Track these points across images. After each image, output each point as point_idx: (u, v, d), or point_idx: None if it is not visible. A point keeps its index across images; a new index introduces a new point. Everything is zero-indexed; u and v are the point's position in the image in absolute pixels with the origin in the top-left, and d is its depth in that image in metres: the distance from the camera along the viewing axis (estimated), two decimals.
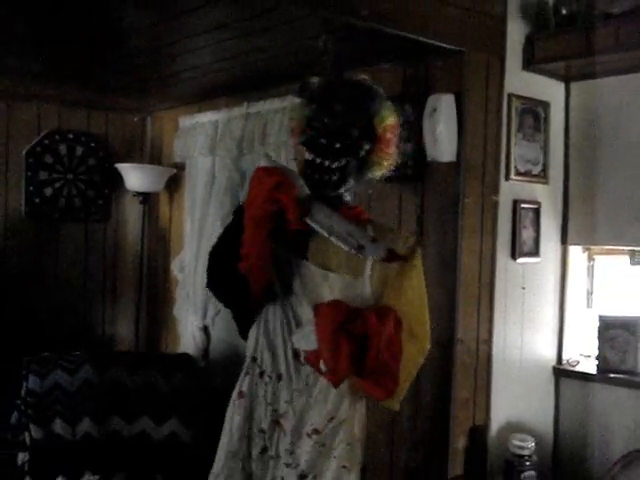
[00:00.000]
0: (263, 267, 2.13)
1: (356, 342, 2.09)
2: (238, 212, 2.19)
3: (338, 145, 2.14)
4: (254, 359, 2.29)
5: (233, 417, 2.29)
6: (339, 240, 2.10)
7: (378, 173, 2.26)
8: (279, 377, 2.24)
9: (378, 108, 2.19)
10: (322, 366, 2.13)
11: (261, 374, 2.27)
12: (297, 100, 2.33)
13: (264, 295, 2.22)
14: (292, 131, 2.33)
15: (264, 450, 2.26)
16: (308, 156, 2.18)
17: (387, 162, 2.24)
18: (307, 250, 2.20)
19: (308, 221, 2.09)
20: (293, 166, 2.48)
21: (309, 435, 2.22)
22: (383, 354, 2.12)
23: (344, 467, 2.24)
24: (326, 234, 2.10)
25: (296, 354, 2.22)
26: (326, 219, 2.11)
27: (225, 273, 2.20)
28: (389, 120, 2.21)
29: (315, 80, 2.25)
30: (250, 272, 2.11)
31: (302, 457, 2.22)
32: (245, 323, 2.35)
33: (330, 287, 2.18)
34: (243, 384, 2.31)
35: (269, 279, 2.18)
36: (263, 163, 2.10)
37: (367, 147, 2.19)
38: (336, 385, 2.16)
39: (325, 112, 2.15)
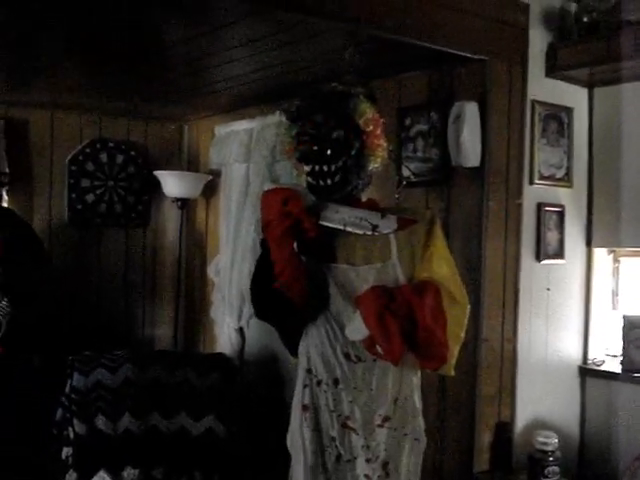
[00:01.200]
0: (298, 279, 2.24)
1: (402, 319, 2.19)
2: (264, 242, 2.30)
3: (329, 151, 2.28)
4: (309, 371, 2.39)
5: (303, 432, 2.36)
6: (354, 227, 2.23)
7: (376, 164, 2.37)
8: (335, 382, 2.34)
9: (354, 107, 2.31)
10: (378, 349, 2.23)
11: (318, 383, 2.37)
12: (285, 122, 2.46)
13: (306, 308, 2.33)
14: (286, 152, 2.45)
15: (338, 458, 2.35)
16: (307, 168, 2.32)
17: (380, 152, 2.36)
18: (334, 253, 2.33)
19: (322, 223, 2.22)
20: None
21: (381, 425, 2.34)
22: (430, 325, 2.21)
23: (416, 439, 2.40)
24: (341, 227, 2.23)
25: (347, 355, 2.33)
26: (336, 214, 2.25)
27: (268, 298, 2.33)
28: (368, 114, 2.32)
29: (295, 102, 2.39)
30: (288, 287, 2.23)
31: (380, 447, 2.33)
32: (294, 340, 2.46)
33: (364, 280, 2.30)
34: (305, 397, 2.39)
35: (307, 289, 2.28)
36: (267, 187, 2.26)
37: (357, 144, 2.31)
38: (396, 363, 2.24)
39: (309, 125, 2.30)
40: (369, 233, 2.24)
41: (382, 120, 2.41)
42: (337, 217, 2.25)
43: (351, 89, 2.37)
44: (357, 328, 2.24)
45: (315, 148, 2.29)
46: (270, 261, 2.23)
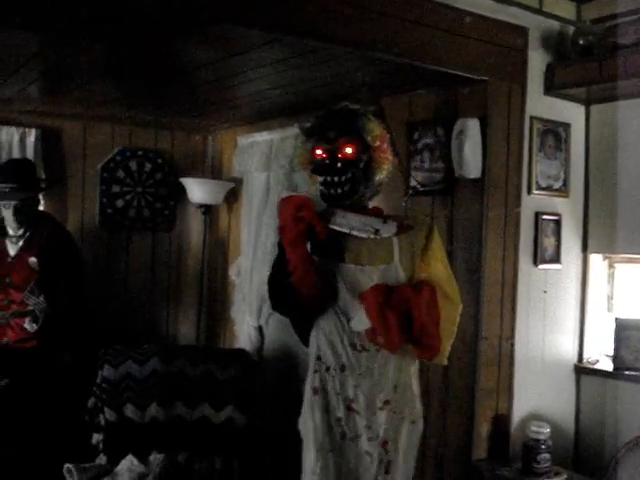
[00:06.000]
0: (309, 276, 2.53)
1: (400, 313, 2.48)
2: (280, 244, 2.61)
3: (339, 164, 2.57)
4: (319, 358, 2.68)
5: (314, 413, 2.64)
6: (359, 231, 2.54)
7: (382, 176, 2.66)
8: (342, 368, 2.63)
9: (363, 125, 2.60)
10: (379, 339, 2.53)
11: (327, 369, 2.65)
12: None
13: (315, 302, 2.61)
14: (302, 164, 2.75)
15: (343, 436, 2.63)
16: (320, 179, 2.62)
17: (386, 165, 2.65)
18: (343, 254, 2.61)
19: (332, 227, 2.51)
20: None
21: (381, 408, 2.62)
22: (424, 319, 2.51)
23: (413, 422, 2.69)
24: (347, 231, 2.54)
25: (353, 345, 2.62)
26: (343, 219, 2.56)
27: (283, 293, 2.63)
28: (376, 132, 2.62)
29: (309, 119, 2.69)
30: (301, 283, 2.53)
31: (380, 427, 2.62)
32: (305, 331, 2.76)
33: (369, 278, 2.59)
34: (315, 381, 2.67)
35: (316, 285, 2.56)
36: (283, 195, 2.56)
37: (365, 158, 2.60)
38: (394, 352, 2.56)
39: (322, 140, 2.60)
40: (372, 236, 2.54)
41: (388, 135, 2.69)
42: (344, 222, 2.55)
43: (360, 108, 2.65)
44: (361, 320, 2.54)
45: (327, 162, 2.58)
46: (285, 260, 2.51)
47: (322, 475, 2.59)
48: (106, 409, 4.02)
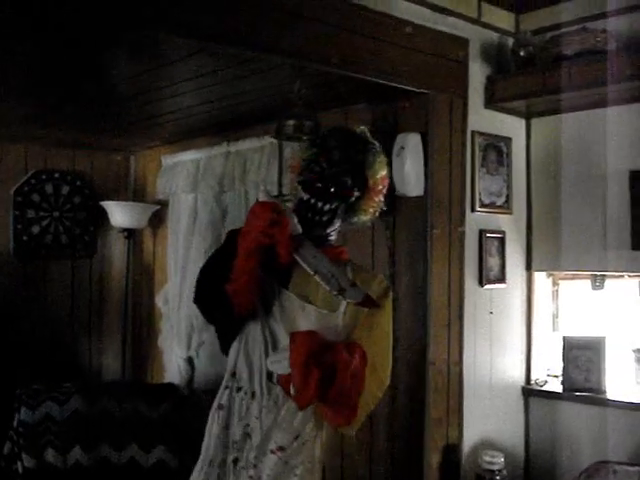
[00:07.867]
0: (248, 291, 2.28)
1: (325, 372, 2.24)
2: (231, 236, 2.35)
3: (332, 190, 2.32)
4: (233, 374, 2.44)
5: (212, 427, 2.43)
6: (323, 279, 2.25)
7: (363, 218, 2.44)
8: (253, 394, 2.38)
9: (372, 161, 2.37)
10: (292, 390, 2.27)
11: (238, 389, 2.41)
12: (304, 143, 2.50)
13: (246, 315, 2.37)
14: (292, 167, 2.51)
15: (236, 460, 2.38)
16: (303, 195, 2.36)
17: (373, 209, 2.43)
18: (289, 280, 2.38)
19: (296, 257, 2.26)
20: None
21: (273, 452, 2.36)
22: (347, 386, 2.27)
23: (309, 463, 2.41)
24: (311, 272, 2.26)
25: (269, 374, 2.37)
26: (313, 258, 2.27)
27: (212, 291, 2.34)
28: (380, 173, 2.39)
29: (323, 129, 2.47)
30: (236, 294, 2.27)
31: (264, 472, 2.35)
32: (227, 339, 2.51)
33: (306, 317, 2.34)
34: (223, 397, 2.44)
35: (252, 302, 2.33)
36: (262, 198, 2.29)
37: (357, 194, 2.36)
38: (302, 408, 2.30)
39: (324, 158, 2.34)
40: (334, 293, 2.27)
41: (387, 181, 2.46)
42: (312, 262, 2.26)
43: (376, 145, 2.42)
44: (281, 363, 2.29)
45: (319, 184, 2.33)
46: (228, 256, 2.26)
47: None
48: (24, 455, 3.73)
